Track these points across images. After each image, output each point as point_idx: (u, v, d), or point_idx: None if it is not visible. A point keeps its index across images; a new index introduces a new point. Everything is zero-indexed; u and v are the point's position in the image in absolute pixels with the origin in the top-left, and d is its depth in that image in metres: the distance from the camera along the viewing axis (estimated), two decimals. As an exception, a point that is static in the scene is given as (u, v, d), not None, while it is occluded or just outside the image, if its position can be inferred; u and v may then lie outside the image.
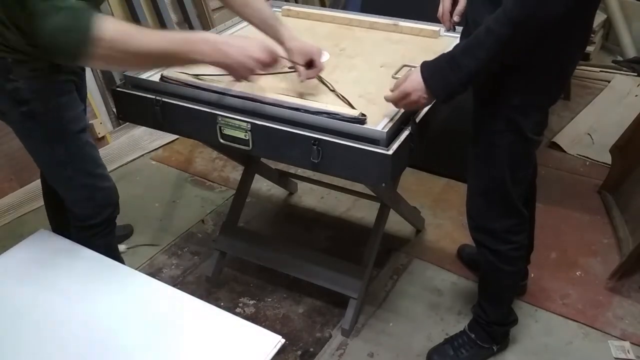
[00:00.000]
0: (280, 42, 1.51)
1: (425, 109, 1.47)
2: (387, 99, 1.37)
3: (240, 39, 1.30)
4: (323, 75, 1.56)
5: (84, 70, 1.65)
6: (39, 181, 2.05)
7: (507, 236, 1.58)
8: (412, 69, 1.35)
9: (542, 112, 1.44)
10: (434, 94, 1.31)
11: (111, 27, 1.11)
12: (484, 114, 1.47)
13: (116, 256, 1.79)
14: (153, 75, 1.58)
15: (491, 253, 1.61)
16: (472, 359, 1.78)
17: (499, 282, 1.70)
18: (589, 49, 3.78)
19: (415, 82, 1.31)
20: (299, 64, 1.48)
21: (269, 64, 1.30)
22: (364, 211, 2.46)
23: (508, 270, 1.64)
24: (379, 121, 1.36)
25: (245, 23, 1.99)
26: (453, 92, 1.30)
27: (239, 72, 1.27)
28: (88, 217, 1.66)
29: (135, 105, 1.55)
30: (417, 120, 1.41)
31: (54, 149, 1.53)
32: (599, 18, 3.83)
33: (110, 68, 1.18)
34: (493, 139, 1.46)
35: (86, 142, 1.58)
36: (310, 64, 1.49)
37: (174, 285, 1.39)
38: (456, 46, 1.29)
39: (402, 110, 1.40)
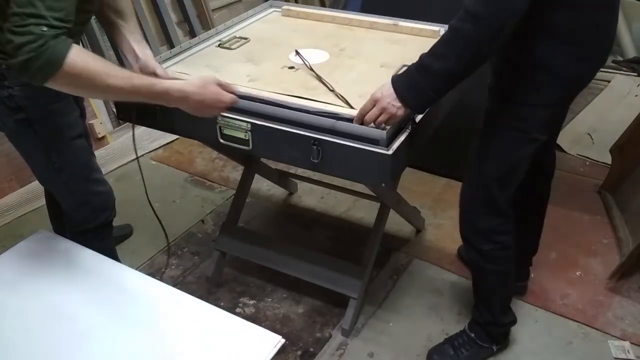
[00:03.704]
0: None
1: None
2: (359, 111, 1.33)
3: (200, 91, 1.31)
4: (323, 75, 1.56)
5: None
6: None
7: (491, 235, 1.59)
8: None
9: (553, 111, 1.42)
10: (405, 100, 1.28)
11: (80, 63, 1.13)
12: (493, 109, 1.46)
13: (114, 258, 1.79)
14: (153, 75, 1.57)
15: (475, 251, 1.63)
16: (472, 359, 1.78)
17: (484, 281, 1.72)
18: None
19: (385, 88, 1.29)
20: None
21: (228, 108, 1.37)
22: (364, 211, 2.46)
23: (491, 269, 1.65)
24: (378, 121, 1.36)
25: (245, 23, 2.00)
26: (423, 96, 1.27)
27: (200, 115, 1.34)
28: (84, 221, 1.66)
29: (135, 105, 1.55)
30: (417, 120, 1.40)
31: (49, 155, 1.52)
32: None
33: (73, 94, 1.22)
34: (494, 135, 1.47)
35: (81, 147, 1.58)
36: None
37: (174, 285, 1.39)
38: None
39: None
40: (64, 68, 1.10)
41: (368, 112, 1.31)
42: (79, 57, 1.12)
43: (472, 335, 1.79)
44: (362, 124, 1.33)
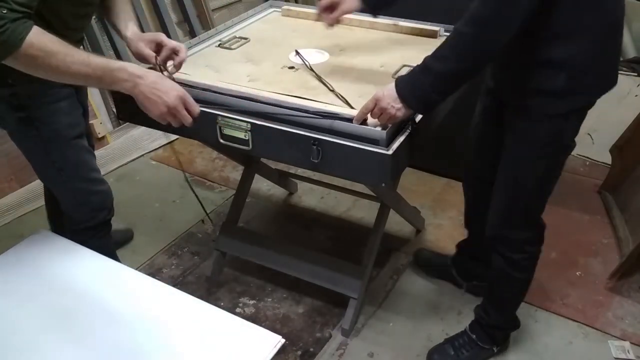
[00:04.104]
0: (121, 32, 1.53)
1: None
2: (360, 109, 1.32)
3: (156, 75, 1.30)
4: (323, 75, 1.56)
5: None
6: (39, 181, 2.05)
7: (524, 246, 1.58)
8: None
9: (583, 114, 1.40)
10: (406, 100, 1.27)
11: (38, 44, 1.17)
12: (520, 121, 1.40)
13: (113, 257, 1.79)
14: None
15: (505, 260, 1.61)
16: (473, 359, 1.78)
17: (508, 288, 1.70)
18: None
19: (387, 89, 1.29)
20: (145, 52, 1.48)
21: (179, 114, 1.30)
22: (364, 211, 2.46)
23: (519, 277, 1.64)
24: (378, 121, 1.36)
25: (245, 23, 2.00)
26: (425, 98, 1.27)
27: (152, 112, 1.30)
28: (83, 220, 1.66)
29: (135, 105, 1.55)
30: (417, 120, 1.40)
31: (50, 154, 1.53)
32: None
33: (33, 73, 1.24)
34: (531, 150, 1.42)
35: (82, 147, 1.59)
36: (160, 48, 1.49)
37: (174, 285, 1.39)
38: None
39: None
40: (22, 48, 1.15)
41: (369, 111, 1.31)
42: (37, 38, 1.17)
43: (474, 336, 1.78)
44: (362, 123, 1.33)
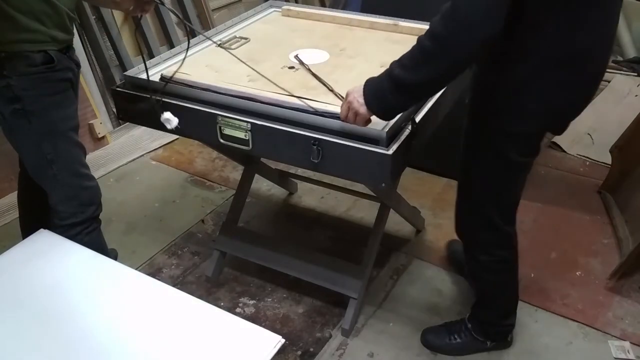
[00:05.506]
0: None
1: (426, 109, 1.47)
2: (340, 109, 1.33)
3: None
4: (323, 75, 1.56)
5: (79, 66, 1.65)
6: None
7: (489, 248, 1.59)
8: None
9: (531, 138, 1.39)
10: (367, 100, 1.26)
11: None
12: (472, 130, 1.45)
13: (103, 253, 1.78)
14: (153, 76, 1.58)
15: (473, 259, 1.64)
16: (463, 347, 1.80)
17: (486, 289, 1.73)
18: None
19: (357, 88, 1.29)
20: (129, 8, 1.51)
21: None
22: (364, 211, 2.46)
23: (489, 279, 1.65)
24: (378, 121, 1.35)
25: (245, 23, 2.00)
26: (384, 101, 1.24)
27: None
28: (71, 215, 1.66)
29: (135, 105, 1.55)
30: (417, 120, 1.41)
31: (42, 147, 1.53)
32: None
33: None
34: (476, 158, 1.46)
35: (75, 142, 1.60)
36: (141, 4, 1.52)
37: (174, 285, 1.39)
38: None
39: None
40: None
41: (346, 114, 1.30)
42: None
43: (469, 326, 1.80)
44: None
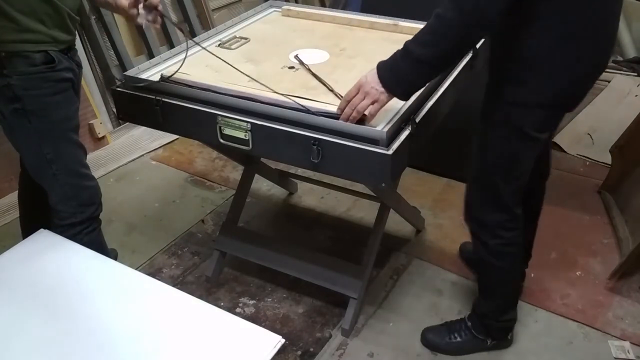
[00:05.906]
0: None
1: (426, 109, 1.47)
2: (344, 96, 1.34)
3: None
4: (323, 75, 1.56)
5: (80, 67, 1.66)
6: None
7: (497, 231, 1.59)
8: None
9: (547, 111, 1.41)
10: (387, 84, 1.28)
11: None
12: (487, 104, 1.47)
13: (103, 253, 1.78)
14: (153, 75, 1.58)
15: (481, 244, 1.64)
16: (464, 346, 1.80)
17: (488, 275, 1.73)
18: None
19: (369, 74, 1.30)
20: (126, 5, 1.51)
21: None
22: (364, 211, 2.46)
23: (497, 264, 1.65)
24: (378, 121, 1.36)
25: (245, 23, 2.00)
26: (405, 80, 1.28)
27: None
28: (71, 215, 1.66)
29: (135, 105, 1.55)
30: (417, 120, 1.41)
31: (42, 147, 1.53)
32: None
33: None
34: (489, 130, 1.47)
35: (75, 142, 1.59)
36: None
37: (174, 285, 1.40)
38: None
39: (402, 110, 1.40)
40: None
41: (351, 98, 1.31)
42: None
43: (469, 324, 1.80)
44: (349, 117, 1.33)
